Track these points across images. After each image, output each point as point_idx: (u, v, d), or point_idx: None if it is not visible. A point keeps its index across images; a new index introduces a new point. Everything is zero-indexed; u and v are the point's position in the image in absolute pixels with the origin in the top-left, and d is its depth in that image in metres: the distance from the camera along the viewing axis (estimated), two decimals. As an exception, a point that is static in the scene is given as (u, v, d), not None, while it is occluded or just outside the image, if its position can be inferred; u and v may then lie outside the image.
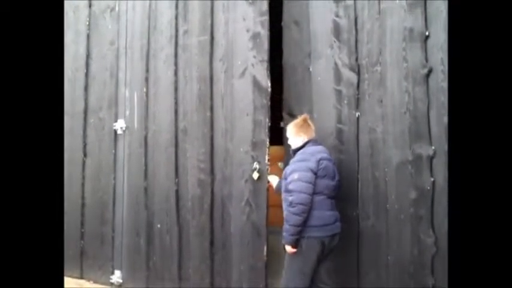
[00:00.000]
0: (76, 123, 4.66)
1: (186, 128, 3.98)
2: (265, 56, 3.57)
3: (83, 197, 4.60)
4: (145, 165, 4.17)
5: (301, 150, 2.99)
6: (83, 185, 4.61)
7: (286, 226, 2.83)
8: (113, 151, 4.40)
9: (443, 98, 2.78)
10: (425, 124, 2.87)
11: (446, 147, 2.72)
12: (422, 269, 2.84)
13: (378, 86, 3.08)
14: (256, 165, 3.60)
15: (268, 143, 3.54)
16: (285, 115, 3.47)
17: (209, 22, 3.91)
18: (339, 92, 3.24)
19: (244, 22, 3.71)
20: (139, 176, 4.21)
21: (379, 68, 3.08)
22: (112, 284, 4.36)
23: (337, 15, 3.27)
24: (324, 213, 2.87)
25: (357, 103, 3.16)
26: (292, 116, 3.38)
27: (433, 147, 2.82)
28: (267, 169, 3.52)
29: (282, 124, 3.52)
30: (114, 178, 4.38)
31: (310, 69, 3.39)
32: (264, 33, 3.59)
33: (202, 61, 3.93)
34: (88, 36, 4.67)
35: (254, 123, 3.62)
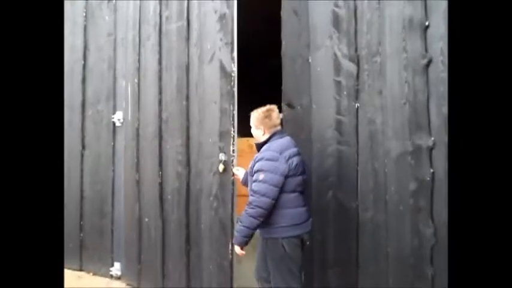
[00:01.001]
0: (74, 115, 4.64)
1: (168, 118, 3.95)
2: (230, 38, 3.52)
3: (82, 190, 4.60)
4: (137, 157, 4.16)
5: (267, 145, 2.85)
6: (81, 177, 4.60)
7: (240, 227, 2.73)
8: (112, 143, 4.38)
9: (443, 89, 2.75)
10: (425, 115, 2.85)
11: (446, 138, 2.70)
12: (422, 260, 2.83)
13: (377, 77, 3.05)
14: (221, 156, 3.51)
15: (233, 132, 3.48)
16: (284, 106, 3.44)
17: (185, 6, 3.87)
18: (338, 83, 3.22)
19: (213, 3, 3.67)
20: (133, 168, 4.20)
21: (378, 59, 3.05)
22: (112, 276, 4.36)
23: (336, 5, 3.24)
24: (300, 210, 2.81)
25: (357, 94, 3.14)
26: (291, 107, 3.36)
27: (432, 138, 2.81)
28: (232, 161, 3.46)
29: (281, 115, 3.49)
30: (113, 171, 4.37)
31: (309, 60, 3.35)
32: (230, 13, 3.53)
33: (180, 47, 3.89)
34: (85, 27, 4.64)
35: (221, 111, 3.57)
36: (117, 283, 4.30)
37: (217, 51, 3.61)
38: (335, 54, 3.24)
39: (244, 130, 3.74)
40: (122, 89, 4.33)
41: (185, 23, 3.84)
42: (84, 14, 4.64)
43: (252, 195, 2.70)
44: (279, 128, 2.96)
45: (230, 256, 3.49)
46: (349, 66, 3.17)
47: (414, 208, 2.88)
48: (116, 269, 4.34)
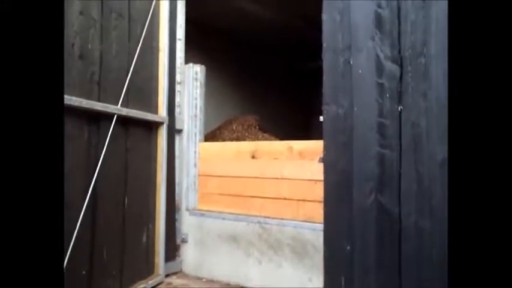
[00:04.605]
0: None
1: None
2: None
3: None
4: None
5: None
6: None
7: None
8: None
9: (493, 91, 2.66)
10: (472, 118, 2.75)
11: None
12: (468, 268, 2.75)
13: (421, 79, 2.98)
14: None
15: None
16: (324, 109, 3.41)
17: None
18: (380, 85, 3.16)
19: None
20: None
21: (423, 60, 2.97)
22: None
23: (379, 6, 3.18)
24: None
25: (400, 96, 3.07)
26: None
27: (480, 142, 2.71)
28: None
29: (321, 118, 3.46)
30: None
31: (351, 62, 3.31)
32: None
33: None
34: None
35: None
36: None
37: None
38: (377, 56, 3.18)
39: (283, 132, 3.72)
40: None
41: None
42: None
43: None
44: None
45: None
46: (391, 67, 3.11)
47: (460, 214, 2.79)
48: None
